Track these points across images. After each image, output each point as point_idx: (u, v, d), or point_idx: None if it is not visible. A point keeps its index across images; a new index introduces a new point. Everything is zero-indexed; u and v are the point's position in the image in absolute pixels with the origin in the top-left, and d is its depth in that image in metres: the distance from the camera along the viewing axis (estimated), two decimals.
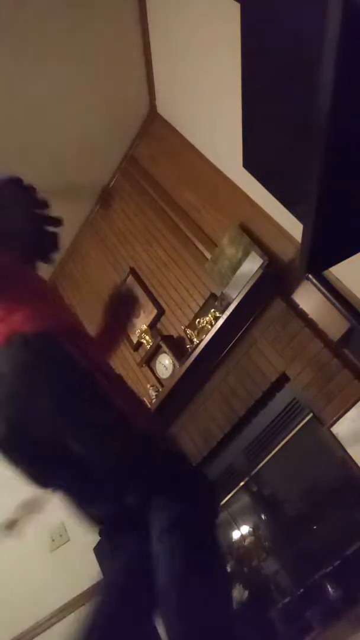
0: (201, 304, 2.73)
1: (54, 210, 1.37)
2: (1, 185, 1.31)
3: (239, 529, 2.47)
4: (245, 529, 2.46)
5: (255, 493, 2.46)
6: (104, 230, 3.46)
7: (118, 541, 1.07)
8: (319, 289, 2.12)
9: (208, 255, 2.71)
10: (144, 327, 2.94)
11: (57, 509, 3.07)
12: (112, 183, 3.40)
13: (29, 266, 1.33)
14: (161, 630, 0.86)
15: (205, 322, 2.52)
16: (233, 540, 2.46)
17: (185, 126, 2.91)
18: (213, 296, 2.66)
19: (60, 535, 2.95)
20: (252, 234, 2.51)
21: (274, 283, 2.34)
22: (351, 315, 1.95)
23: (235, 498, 2.50)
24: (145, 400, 2.70)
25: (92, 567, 2.70)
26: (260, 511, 2.46)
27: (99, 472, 1.02)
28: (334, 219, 0.83)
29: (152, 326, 2.96)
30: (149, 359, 2.88)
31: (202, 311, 2.65)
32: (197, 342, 2.53)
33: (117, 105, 2.95)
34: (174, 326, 2.89)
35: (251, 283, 2.29)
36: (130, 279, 3.17)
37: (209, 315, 2.51)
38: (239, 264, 2.46)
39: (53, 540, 2.96)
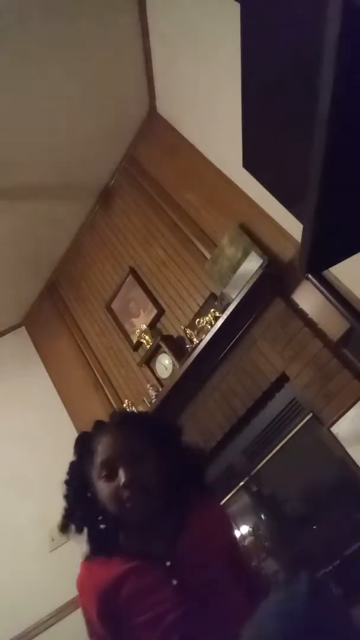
0: (201, 304, 2.72)
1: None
2: None
3: (238, 529, 2.46)
4: (245, 529, 2.46)
5: (255, 493, 2.46)
6: (103, 230, 3.46)
7: None
8: (319, 289, 2.12)
9: (208, 255, 2.71)
10: (144, 327, 2.94)
11: (57, 508, 3.08)
12: (112, 183, 3.39)
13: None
14: None
15: (205, 322, 2.52)
16: None
17: (185, 126, 2.90)
18: (213, 296, 2.65)
19: (60, 535, 2.95)
20: (252, 234, 2.51)
21: (274, 283, 2.34)
22: (351, 315, 1.95)
23: (235, 498, 2.50)
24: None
25: None
26: (260, 511, 2.46)
27: None
28: (334, 219, 0.83)
29: (151, 326, 2.95)
30: (149, 359, 2.88)
31: (202, 311, 2.65)
32: (197, 342, 2.52)
33: (117, 105, 2.95)
34: (173, 326, 2.89)
35: (251, 283, 2.29)
36: (130, 278, 3.17)
37: (209, 315, 2.51)
38: (238, 264, 2.46)
39: (53, 540, 2.95)
